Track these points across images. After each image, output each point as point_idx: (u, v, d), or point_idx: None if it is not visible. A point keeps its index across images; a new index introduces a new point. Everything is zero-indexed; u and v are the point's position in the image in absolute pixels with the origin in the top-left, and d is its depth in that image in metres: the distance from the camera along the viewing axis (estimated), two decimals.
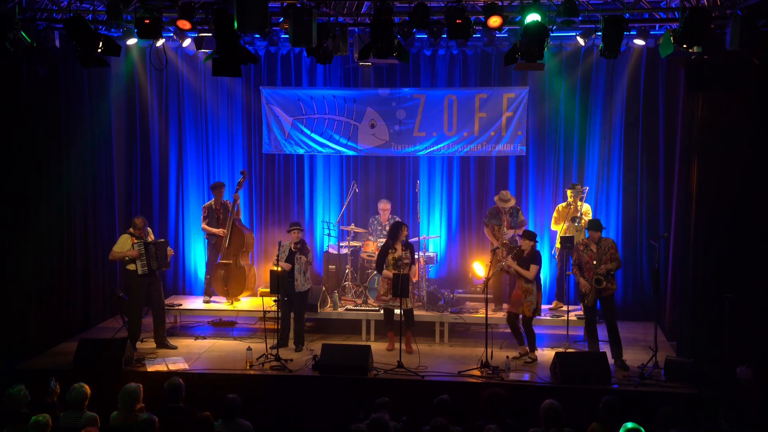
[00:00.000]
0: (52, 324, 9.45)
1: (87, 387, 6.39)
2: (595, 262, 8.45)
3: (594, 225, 8.66)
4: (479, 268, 10.23)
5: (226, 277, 10.23)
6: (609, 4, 8.77)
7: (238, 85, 11.24)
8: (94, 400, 6.48)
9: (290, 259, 9.04)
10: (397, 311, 8.97)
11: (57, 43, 8.83)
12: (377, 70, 11.07)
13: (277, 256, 9.01)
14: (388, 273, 8.97)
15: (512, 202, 9.95)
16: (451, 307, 9.86)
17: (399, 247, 9.03)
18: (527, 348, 8.77)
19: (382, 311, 9.62)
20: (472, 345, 9.27)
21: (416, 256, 9.49)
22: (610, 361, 8.40)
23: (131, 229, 9.07)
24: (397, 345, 8.78)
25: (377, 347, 8.97)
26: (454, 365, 8.44)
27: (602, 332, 8.73)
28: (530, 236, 8.79)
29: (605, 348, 8.55)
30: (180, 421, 6.19)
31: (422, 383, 7.97)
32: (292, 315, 9.21)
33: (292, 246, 9.10)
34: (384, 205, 10.65)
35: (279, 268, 8.81)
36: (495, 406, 6.19)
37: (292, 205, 11.47)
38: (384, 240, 10.40)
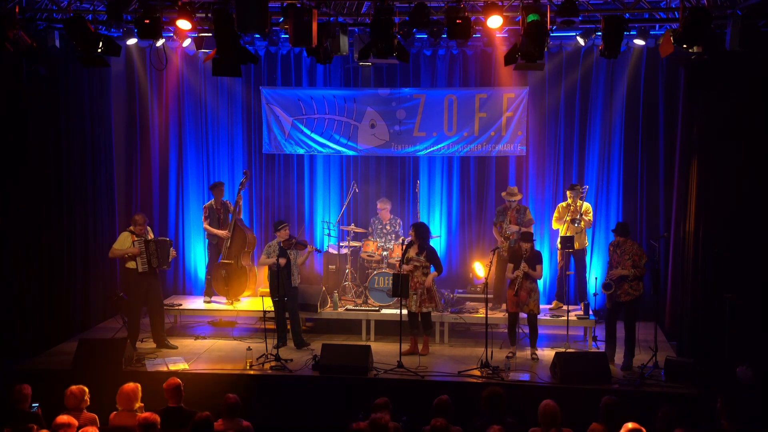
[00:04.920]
0: (52, 324, 9.45)
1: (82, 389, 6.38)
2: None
3: (616, 228, 8.57)
4: (480, 269, 10.23)
5: (227, 277, 10.22)
6: (609, 4, 8.78)
7: (238, 85, 11.24)
8: (94, 400, 6.48)
9: (283, 255, 9.03)
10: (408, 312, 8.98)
11: (57, 43, 8.83)
12: (377, 70, 11.07)
13: (269, 255, 8.99)
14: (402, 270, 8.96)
15: (519, 197, 9.96)
16: (451, 307, 9.86)
17: (414, 248, 8.99)
18: (515, 349, 8.83)
19: (381, 311, 9.66)
20: (472, 345, 9.27)
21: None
22: (619, 361, 8.42)
23: (131, 227, 9.07)
24: (412, 347, 8.87)
25: (377, 347, 8.97)
26: (454, 365, 8.44)
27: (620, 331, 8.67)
28: (528, 237, 8.81)
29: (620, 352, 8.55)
30: (180, 421, 6.20)
31: (422, 383, 7.97)
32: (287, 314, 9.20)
33: (283, 243, 9.07)
34: (382, 205, 10.64)
35: (282, 260, 8.90)
36: (495, 405, 6.19)
37: (292, 205, 11.46)
38: (383, 240, 10.47)
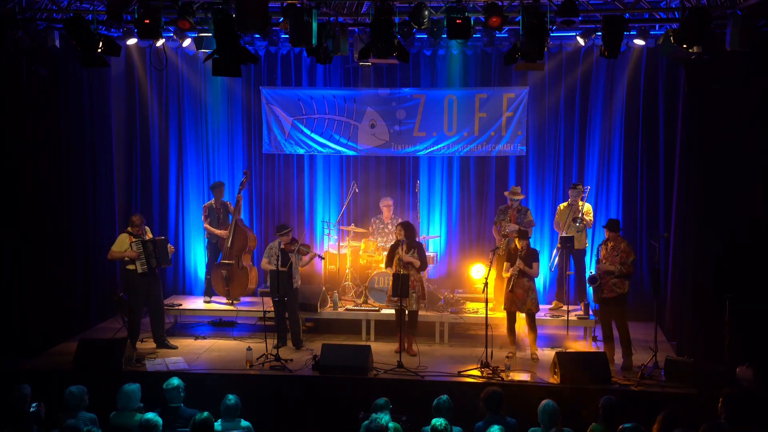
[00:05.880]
0: (52, 324, 9.45)
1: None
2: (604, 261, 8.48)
3: (607, 224, 8.63)
4: (477, 272, 10.21)
5: (228, 277, 10.21)
6: (609, 4, 8.78)
7: (238, 85, 11.23)
8: (94, 400, 6.48)
9: (285, 258, 9.03)
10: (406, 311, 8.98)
11: (57, 43, 8.83)
12: (377, 70, 11.07)
13: (277, 258, 8.99)
14: (389, 271, 8.95)
15: (522, 196, 10.00)
16: (451, 307, 9.85)
17: (405, 247, 8.99)
18: (515, 349, 8.83)
19: (381, 311, 9.66)
20: (472, 345, 9.27)
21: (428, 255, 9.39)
22: (619, 361, 8.42)
23: (129, 228, 9.06)
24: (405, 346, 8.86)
25: (377, 347, 8.97)
26: (454, 365, 8.43)
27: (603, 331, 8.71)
28: (524, 235, 8.81)
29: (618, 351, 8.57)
30: (180, 421, 6.20)
31: (422, 383, 7.97)
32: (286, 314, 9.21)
33: (283, 246, 9.08)
34: (386, 202, 10.64)
35: (282, 268, 8.87)
36: (495, 405, 6.19)
37: (292, 205, 11.46)
38: (384, 239, 10.47)
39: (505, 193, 10.15)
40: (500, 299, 9.84)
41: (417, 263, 8.93)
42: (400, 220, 10.65)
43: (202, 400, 6.61)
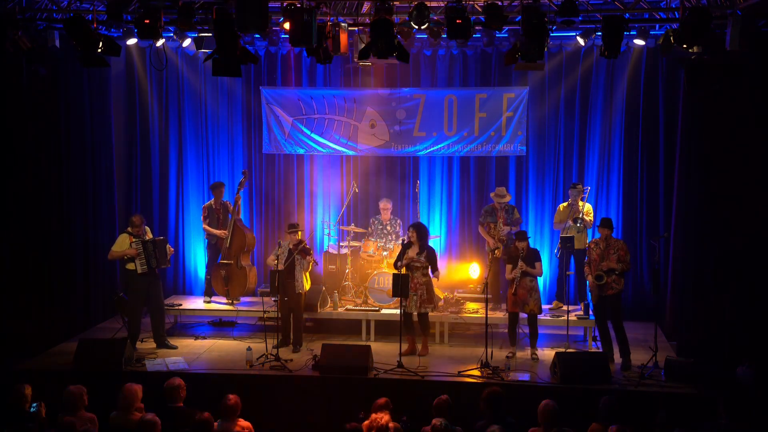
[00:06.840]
0: (52, 324, 9.45)
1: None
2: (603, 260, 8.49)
3: (603, 222, 8.66)
4: (474, 272, 10.21)
5: (227, 277, 10.21)
6: (609, 4, 8.79)
7: (238, 85, 11.23)
8: (94, 400, 6.49)
9: (289, 258, 9.04)
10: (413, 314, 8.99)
11: (57, 43, 8.84)
12: (377, 70, 11.06)
13: (277, 256, 9.00)
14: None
15: (508, 198, 9.99)
16: (451, 307, 9.85)
17: (414, 249, 9.00)
18: (515, 349, 8.83)
19: (381, 311, 9.66)
20: (472, 345, 9.27)
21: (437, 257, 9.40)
22: (618, 360, 8.42)
23: (129, 228, 9.07)
24: (410, 347, 8.88)
25: (377, 347, 8.97)
26: (453, 365, 8.43)
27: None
28: (523, 237, 8.82)
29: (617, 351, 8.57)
30: (180, 421, 6.20)
31: (422, 383, 7.97)
32: (291, 315, 9.21)
33: (291, 246, 9.10)
34: (385, 205, 10.63)
35: (280, 267, 8.86)
36: (495, 405, 6.19)
37: (292, 205, 11.45)
38: (383, 240, 10.46)
39: (491, 195, 10.14)
40: (498, 298, 9.87)
41: (426, 265, 8.94)
42: (399, 221, 10.68)
43: (202, 400, 6.63)
